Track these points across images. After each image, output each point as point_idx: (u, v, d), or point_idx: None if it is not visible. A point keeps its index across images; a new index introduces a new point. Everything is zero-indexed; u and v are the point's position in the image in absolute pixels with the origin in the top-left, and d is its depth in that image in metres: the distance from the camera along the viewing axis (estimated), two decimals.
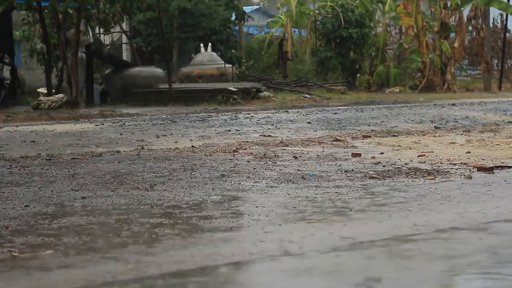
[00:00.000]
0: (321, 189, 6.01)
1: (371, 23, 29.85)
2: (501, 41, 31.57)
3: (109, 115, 16.06)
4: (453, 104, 17.96)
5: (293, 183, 6.36)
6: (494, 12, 31.59)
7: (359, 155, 8.27)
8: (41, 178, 6.69)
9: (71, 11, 21.16)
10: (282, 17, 33.09)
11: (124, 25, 27.88)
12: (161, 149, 9.11)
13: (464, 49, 29.87)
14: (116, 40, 29.65)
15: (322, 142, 9.75)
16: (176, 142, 10.03)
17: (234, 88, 20.65)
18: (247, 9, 33.56)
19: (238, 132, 11.50)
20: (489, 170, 6.94)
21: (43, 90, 22.08)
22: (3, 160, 8.11)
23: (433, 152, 8.44)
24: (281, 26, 32.95)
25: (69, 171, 7.12)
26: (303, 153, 8.53)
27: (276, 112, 15.96)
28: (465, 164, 7.39)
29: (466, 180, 6.45)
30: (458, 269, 3.76)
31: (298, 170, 7.10)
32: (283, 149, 8.93)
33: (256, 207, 5.32)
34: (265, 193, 5.89)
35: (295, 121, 13.39)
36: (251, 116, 14.68)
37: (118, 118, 14.97)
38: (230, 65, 24.30)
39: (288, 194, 5.81)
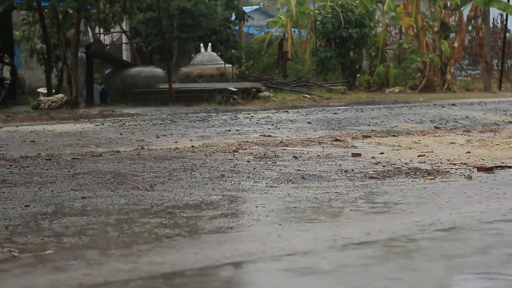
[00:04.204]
0: (321, 189, 6.01)
1: (371, 23, 29.83)
2: (501, 41, 31.57)
3: (109, 115, 16.05)
4: (453, 104, 17.96)
5: (293, 183, 6.36)
6: (494, 12, 31.57)
7: (359, 155, 8.27)
8: (41, 178, 6.69)
9: (71, 11, 21.18)
10: (282, 17, 33.06)
11: (124, 25, 27.87)
12: (161, 149, 9.11)
13: (464, 49, 29.86)
14: (116, 40, 29.63)
15: (322, 142, 9.75)
16: (176, 142, 10.03)
17: (234, 88, 20.65)
18: (247, 9, 33.54)
19: (238, 132, 11.49)
20: (489, 170, 6.94)
21: (43, 90, 22.08)
22: (3, 160, 8.11)
23: (433, 152, 8.44)
24: (281, 26, 32.92)
25: (69, 171, 7.12)
26: (303, 153, 8.53)
27: (276, 112, 15.96)
28: (465, 164, 7.39)
29: (466, 180, 6.45)
30: (458, 269, 3.77)
31: (298, 170, 7.10)
32: (283, 149, 8.93)
33: (256, 207, 5.32)
34: (265, 193, 5.89)
35: (295, 121, 13.39)
36: (251, 116, 14.68)
37: (118, 118, 14.97)
38: (230, 65, 24.29)
39: (288, 194, 5.81)
